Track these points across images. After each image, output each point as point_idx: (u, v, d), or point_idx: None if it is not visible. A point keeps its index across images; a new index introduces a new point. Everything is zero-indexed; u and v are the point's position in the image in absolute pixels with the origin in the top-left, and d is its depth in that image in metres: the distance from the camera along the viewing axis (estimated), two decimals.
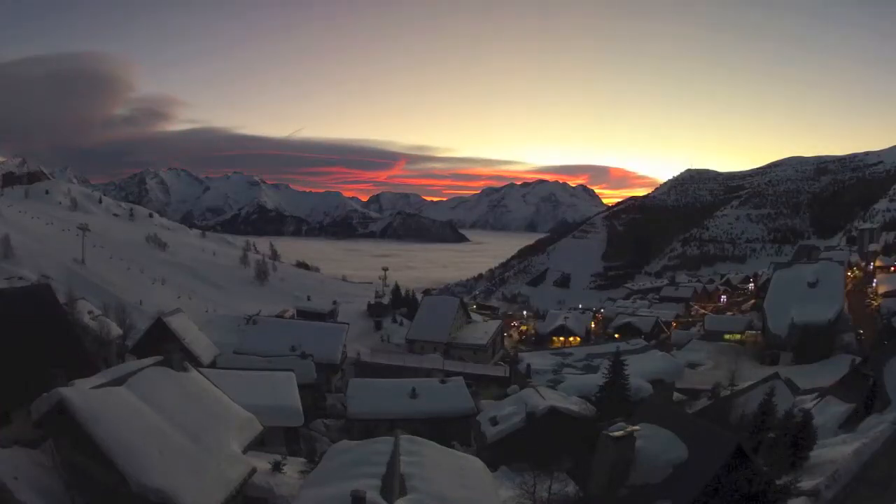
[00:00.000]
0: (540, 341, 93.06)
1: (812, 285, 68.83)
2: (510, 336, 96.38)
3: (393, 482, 17.87)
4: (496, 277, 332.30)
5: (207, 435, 22.33)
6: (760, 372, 49.69)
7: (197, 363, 41.95)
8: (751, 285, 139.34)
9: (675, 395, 46.97)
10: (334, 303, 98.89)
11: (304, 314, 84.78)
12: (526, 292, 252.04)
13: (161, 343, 54.25)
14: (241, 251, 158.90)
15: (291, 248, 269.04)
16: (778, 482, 20.79)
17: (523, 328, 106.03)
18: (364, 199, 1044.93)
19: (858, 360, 41.66)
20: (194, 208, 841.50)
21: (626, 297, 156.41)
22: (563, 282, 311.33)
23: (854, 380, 35.96)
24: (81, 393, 20.60)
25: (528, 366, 46.83)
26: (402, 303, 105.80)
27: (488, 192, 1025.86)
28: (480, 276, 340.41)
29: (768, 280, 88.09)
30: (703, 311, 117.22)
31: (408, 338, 79.99)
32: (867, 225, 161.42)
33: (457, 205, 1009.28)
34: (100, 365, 38.37)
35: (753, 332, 76.40)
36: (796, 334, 60.52)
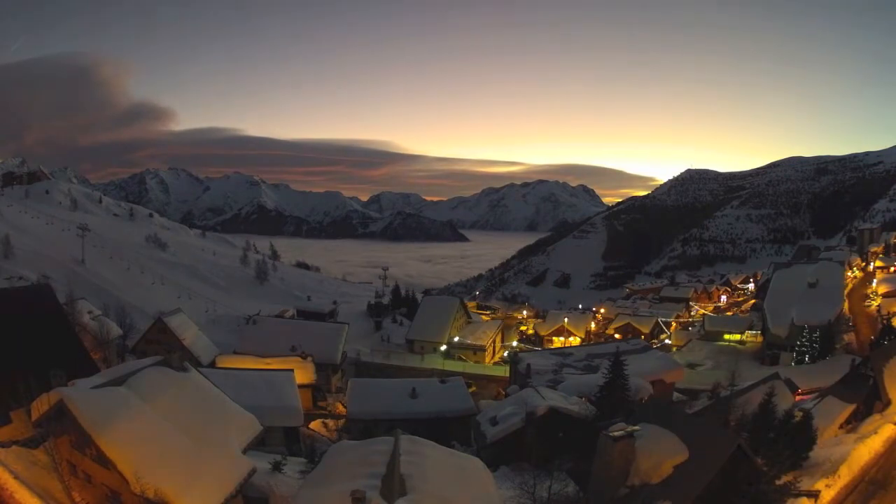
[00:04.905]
0: (540, 341, 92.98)
1: (812, 285, 68.77)
2: (510, 336, 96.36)
3: (393, 482, 17.87)
4: (496, 277, 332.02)
5: (207, 435, 22.33)
6: (760, 372, 49.61)
7: (197, 363, 41.99)
8: (751, 285, 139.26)
9: (675, 395, 46.92)
10: (334, 303, 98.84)
11: (304, 314, 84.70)
12: (526, 292, 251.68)
13: (161, 343, 54.81)
14: (241, 251, 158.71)
15: (291, 248, 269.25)
16: (778, 482, 20.80)
17: (523, 328, 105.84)
18: (364, 198, 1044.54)
19: (858, 360, 41.62)
20: (194, 208, 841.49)
21: (626, 297, 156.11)
22: (563, 282, 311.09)
23: (854, 380, 35.95)
24: (81, 393, 20.62)
25: (528, 366, 46.72)
26: (402, 303, 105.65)
27: (488, 192, 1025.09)
28: (480, 276, 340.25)
29: (768, 280, 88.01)
30: (702, 311, 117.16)
31: (408, 338, 79.96)
32: (867, 225, 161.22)
33: (457, 205, 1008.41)
34: (100, 365, 38.46)
35: (753, 332, 76.34)
36: (796, 334, 60.46)
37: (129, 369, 24.05)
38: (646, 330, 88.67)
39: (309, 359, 49.53)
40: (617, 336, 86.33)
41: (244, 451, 23.32)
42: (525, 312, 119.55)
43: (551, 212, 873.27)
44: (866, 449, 25.81)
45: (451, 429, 37.85)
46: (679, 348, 77.17)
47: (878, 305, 70.64)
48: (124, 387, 21.88)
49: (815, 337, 58.00)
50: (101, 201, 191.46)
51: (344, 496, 16.73)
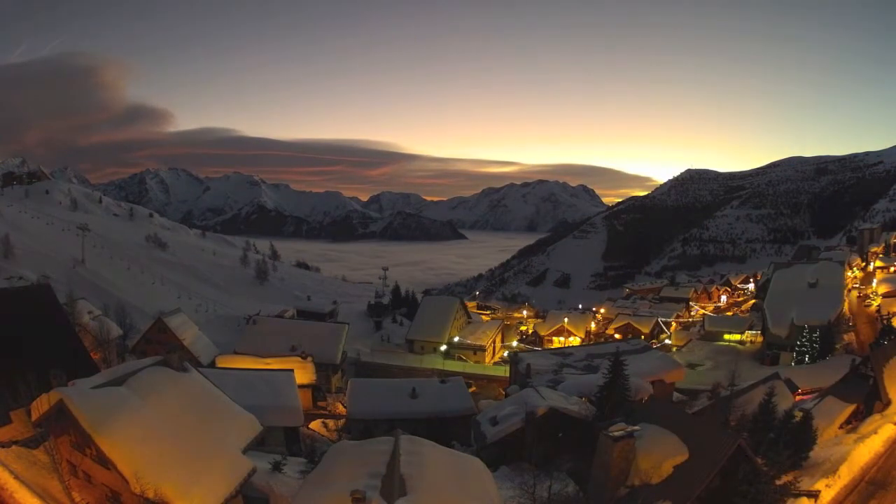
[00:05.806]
0: (540, 341, 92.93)
1: (812, 285, 68.75)
2: (510, 336, 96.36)
3: (393, 482, 17.87)
4: (496, 277, 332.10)
5: (207, 435, 22.32)
6: (760, 372, 49.62)
7: (197, 363, 42.02)
8: (751, 285, 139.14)
9: (675, 395, 46.93)
10: (334, 303, 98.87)
11: (304, 314, 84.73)
12: (526, 292, 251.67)
13: (161, 343, 54.81)
14: (241, 251, 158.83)
15: (291, 249, 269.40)
16: (778, 482, 20.80)
17: (523, 328, 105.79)
18: (364, 198, 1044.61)
19: (858, 360, 41.59)
20: (194, 208, 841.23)
21: (626, 297, 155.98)
22: (563, 282, 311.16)
23: (854, 380, 35.94)
24: (81, 393, 20.60)
25: (528, 366, 46.75)
26: (402, 303, 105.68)
27: (488, 192, 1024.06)
28: (480, 276, 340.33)
29: (768, 280, 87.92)
30: (702, 311, 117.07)
31: (408, 338, 80.00)
32: (867, 225, 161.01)
33: (457, 205, 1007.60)
34: (100, 365, 38.46)
35: (753, 332, 76.30)
36: (796, 334, 60.45)
37: (129, 369, 24.03)
38: (646, 330, 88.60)
39: (309, 359, 49.52)
40: (617, 336, 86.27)
41: (244, 451, 23.31)
42: (525, 312, 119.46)
43: (551, 212, 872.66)
44: (866, 449, 25.81)
45: (451, 429, 37.85)
46: (679, 348, 77.11)
47: (878, 305, 70.60)
48: (124, 387, 21.87)
49: (815, 337, 57.99)
50: (100, 201, 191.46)
51: (344, 496, 16.74)
